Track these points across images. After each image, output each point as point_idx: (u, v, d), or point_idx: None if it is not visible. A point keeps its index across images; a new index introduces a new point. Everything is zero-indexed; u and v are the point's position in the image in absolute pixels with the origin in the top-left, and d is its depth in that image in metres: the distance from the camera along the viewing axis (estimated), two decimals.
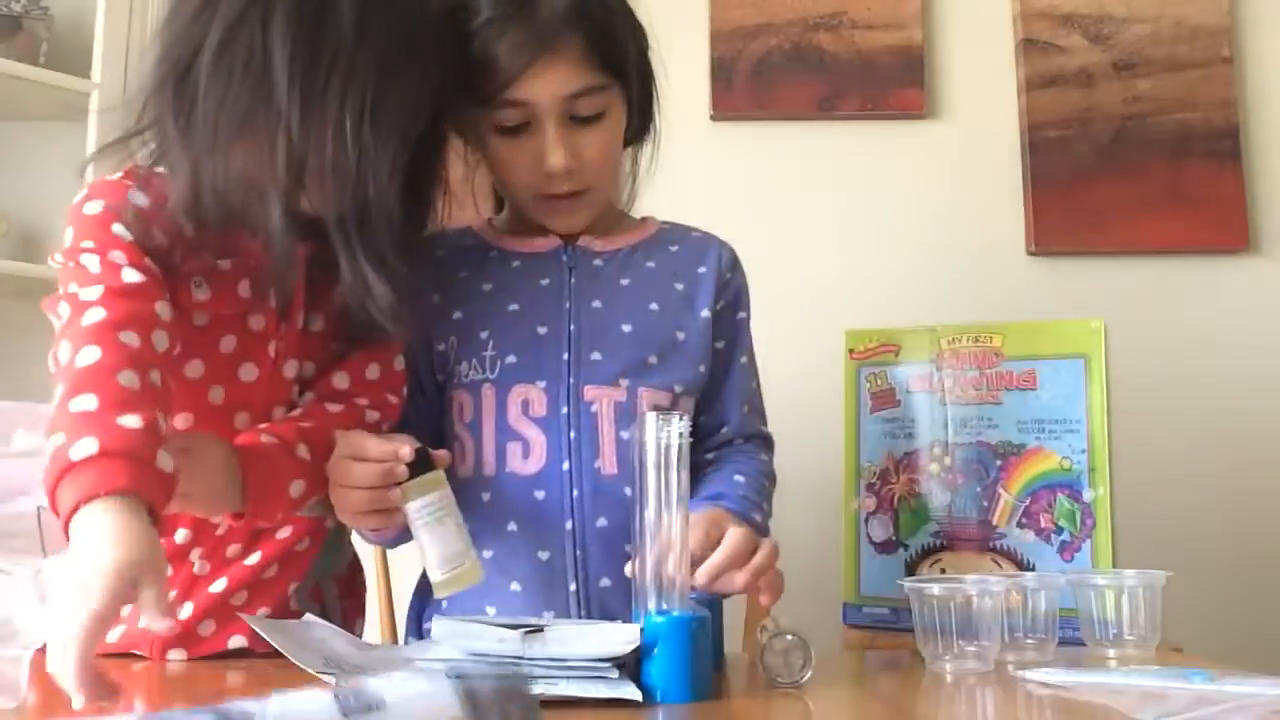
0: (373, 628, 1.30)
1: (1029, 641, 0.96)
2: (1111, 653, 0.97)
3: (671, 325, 1.12)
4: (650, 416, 0.81)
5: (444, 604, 1.10)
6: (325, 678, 0.79)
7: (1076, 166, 1.84)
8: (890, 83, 1.86)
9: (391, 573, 1.40)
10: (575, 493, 1.05)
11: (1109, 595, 0.98)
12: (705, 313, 1.14)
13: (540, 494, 1.06)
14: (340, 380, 1.05)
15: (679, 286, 1.14)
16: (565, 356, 1.08)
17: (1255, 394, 1.81)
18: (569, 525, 1.05)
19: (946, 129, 1.88)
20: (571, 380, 1.08)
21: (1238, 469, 1.79)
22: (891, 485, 1.27)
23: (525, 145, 1.06)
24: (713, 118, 1.85)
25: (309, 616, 0.97)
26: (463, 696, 0.53)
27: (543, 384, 1.07)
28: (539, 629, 0.79)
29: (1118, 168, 1.84)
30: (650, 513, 0.80)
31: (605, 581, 1.05)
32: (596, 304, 1.11)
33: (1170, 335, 1.81)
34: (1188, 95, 1.86)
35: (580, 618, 1.05)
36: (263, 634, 0.87)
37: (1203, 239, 1.84)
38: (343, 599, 1.14)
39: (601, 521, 1.05)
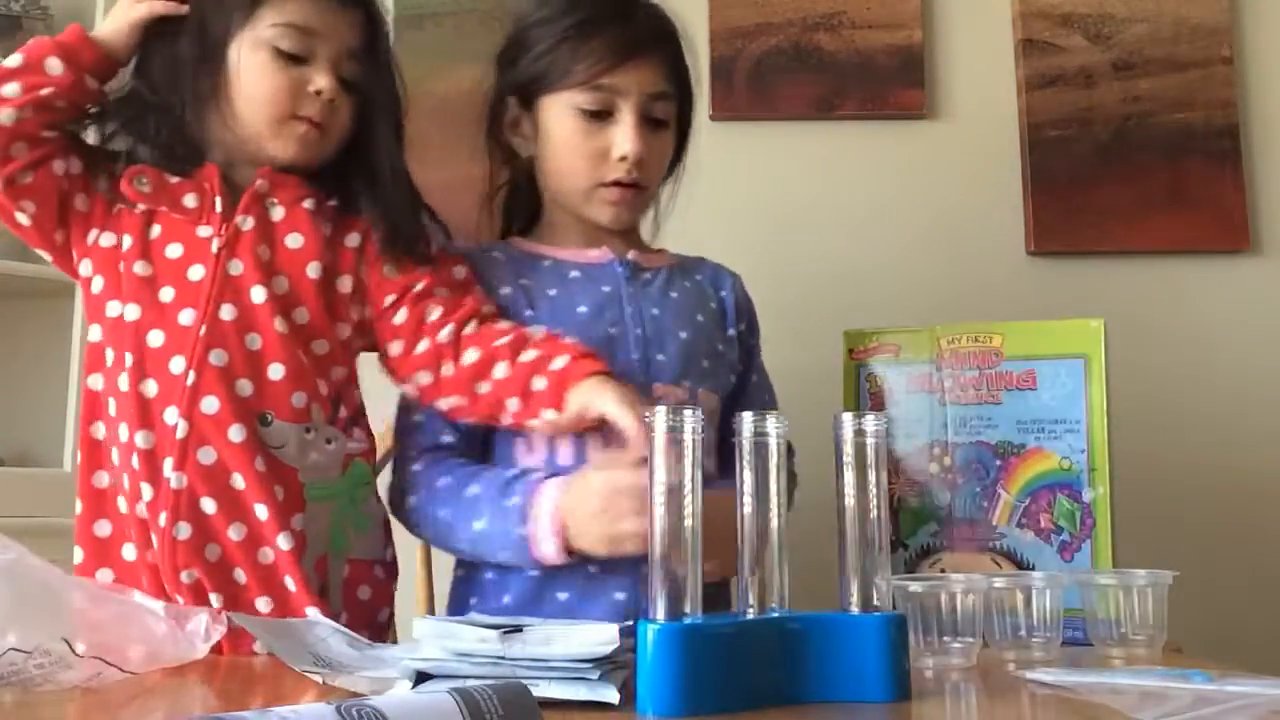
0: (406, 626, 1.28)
1: (1034, 641, 0.96)
2: (1118, 653, 0.97)
3: (715, 337, 1.24)
4: (660, 409, 0.76)
5: (472, 602, 1.13)
6: (313, 676, 0.79)
7: (1076, 166, 1.84)
8: (890, 83, 1.86)
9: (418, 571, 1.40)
10: None
11: (1116, 595, 0.98)
12: (732, 331, 1.28)
13: None
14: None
15: (712, 306, 1.26)
16: (635, 357, 1.17)
17: (1256, 394, 1.81)
18: None
19: (946, 129, 1.88)
20: (643, 379, 1.15)
21: (1238, 469, 1.78)
22: (891, 485, 1.27)
23: (600, 132, 1.18)
24: (712, 118, 1.84)
25: (313, 615, 0.97)
26: (464, 707, 0.53)
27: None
28: (517, 629, 0.78)
29: (1117, 167, 1.84)
30: (660, 509, 0.75)
31: None
32: (655, 311, 1.21)
33: (1170, 335, 1.81)
34: (1188, 95, 1.86)
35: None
36: (253, 632, 0.87)
37: (1203, 239, 1.84)
38: (355, 584, 1.12)
39: None
